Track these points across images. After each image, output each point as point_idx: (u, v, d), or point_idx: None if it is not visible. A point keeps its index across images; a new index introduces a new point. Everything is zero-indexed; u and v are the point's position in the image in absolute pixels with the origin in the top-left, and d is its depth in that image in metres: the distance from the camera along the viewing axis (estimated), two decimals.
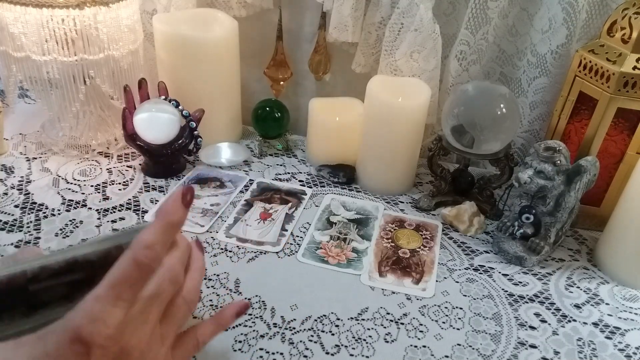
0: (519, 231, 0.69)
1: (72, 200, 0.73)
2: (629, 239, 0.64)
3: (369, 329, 0.57)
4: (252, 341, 0.54)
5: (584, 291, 0.64)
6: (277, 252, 0.67)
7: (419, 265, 0.66)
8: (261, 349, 0.53)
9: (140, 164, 0.82)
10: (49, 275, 0.38)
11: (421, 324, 0.58)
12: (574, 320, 0.60)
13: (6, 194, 0.74)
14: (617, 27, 0.68)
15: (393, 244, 0.70)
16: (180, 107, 0.80)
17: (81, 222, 0.69)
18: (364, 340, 0.55)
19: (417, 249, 0.69)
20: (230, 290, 0.60)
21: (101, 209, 0.72)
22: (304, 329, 0.56)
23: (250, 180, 0.81)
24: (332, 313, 0.58)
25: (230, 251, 0.66)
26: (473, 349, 0.55)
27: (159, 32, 0.80)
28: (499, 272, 0.67)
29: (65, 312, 0.32)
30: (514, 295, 0.63)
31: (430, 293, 0.62)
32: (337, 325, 0.57)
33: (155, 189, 0.78)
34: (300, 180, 0.83)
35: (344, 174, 0.82)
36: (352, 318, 0.58)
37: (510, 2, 0.77)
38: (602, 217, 0.72)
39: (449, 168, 0.81)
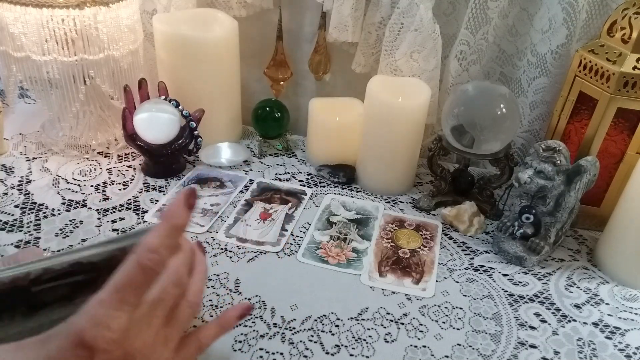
0: (519, 231, 0.69)
1: (72, 200, 0.73)
2: (629, 239, 0.64)
3: (369, 329, 0.57)
4: (252, 341, 0.54)
5: (584, 291, 0.64)
6: (277, 252, 0.67)
7: (419, 265, 0.66)
8: (261, 349, 0.53)
9: (140, 164, 0.82)
10: (51, 277, 0.38)
11: (421, 324, 0.58)
12: (574, 320, 0.60)
13: (6, 194, 0.74)
14: (617, 27, 0.68)
15: (393, 244, 0.70)
16: (180, 107, 0.80)
17: (81, 222, 0.69)
18: (364, 340, 0.55)
19: (417, 249, 0.69)
20: (230, 290, 0.60)
21: (101, 209, 0.72)
22: (304, 329, 0.56)
23: (250, 180, 0.81)
24: (332, 313, 0.58)
25: (230, 251, 0.66)
26: (473, 349, 0.55)
27: (159, 32, 0.80)
28: (499, 272, 0.67)
29: (66, 312, 0.32)
30: (514, 295, 0.63)
31: (430, 293, 0.62)
32: (337, 325, 0.57)
33: (155, 189, 0.78)
34: (300, 180, 0.83)
35: (344, 174, 0.82)
36: (352, 318, 0.58)
37: (510, 2, 0.77)
38: (602, 217, 0.72)
39: (449, 168, 0.81)
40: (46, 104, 0.78)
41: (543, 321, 0.59)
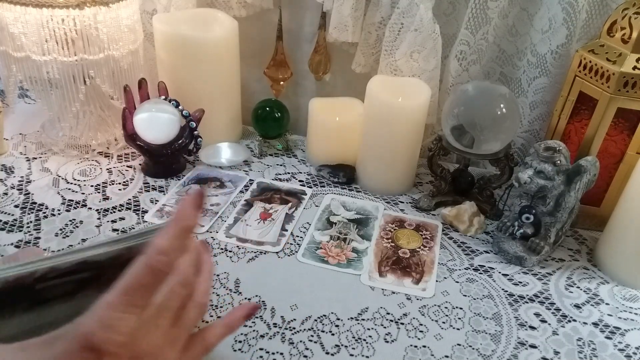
0: (519, 231, 0.69)
1: (72, 200, 0.73)
2: (629, 239, 0.64)
3: (369, 329, 0.57)
4: (252, 341, 0.54)
5: (584, 291, 0.64)
6: (277, 252, 0.67)
7: (419, 265, 0.66)
8: (261, 349, 0.53)
9: (140, 164, 0.82)
10: (56, 275, 0.38)
11: (421, 324, 0.58)
12: (574, 320, 0.60)
13: (6, 194, 0.74)
14: (617, 27, 0.68)
15: (393, 244, 0.70)
16: (180, 107, 0.80)
17: (81, 222, 0.69)
18: (364, 340, 0.55)
19: (417, 249, 0.69)
20: (230, 290, 0.60)
21: (101, 209, 0.72)
22: (304, 329, 0.56)
23: (250, 180, 0.81)
24: (332, 313, 0.58)
25: (230, 251, 0.66)
26: (473, 349, 0.55)
27: (159, 32, 0.80)
28: (499, 272, 0.67)
29: (68, 309, 0.32)
30: (514, 295, 0.63)
31: (430, 293, 0.62)
32: (337, 325, 0.57)
33: (155, 189, 0.78)
34: (300, 180, 0.83)
35: (344, 174, 0.82)
36: (352, 318, 0.58)
37: (510, 2, 0.77)
38: (602, 217, 0.72)
39: (449, 168, 0.81)
40: (46, 104, 0.78)
41: (543, 321, 0.59)
